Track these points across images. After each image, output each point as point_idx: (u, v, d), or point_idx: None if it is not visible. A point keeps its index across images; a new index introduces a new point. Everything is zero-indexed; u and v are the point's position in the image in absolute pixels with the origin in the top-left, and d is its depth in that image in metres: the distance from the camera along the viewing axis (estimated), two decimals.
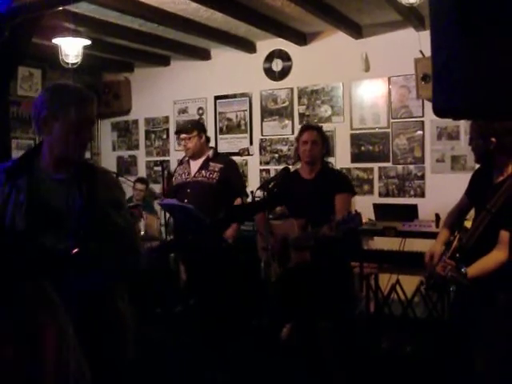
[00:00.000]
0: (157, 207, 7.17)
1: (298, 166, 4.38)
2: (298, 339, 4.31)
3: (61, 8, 4.93)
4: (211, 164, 4.89)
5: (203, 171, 4.87)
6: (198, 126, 5.02)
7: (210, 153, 4.96)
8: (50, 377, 0.95)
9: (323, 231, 3.70)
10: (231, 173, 5.00)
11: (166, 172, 5.17)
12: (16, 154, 7.37)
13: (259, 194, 4.20)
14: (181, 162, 5.09)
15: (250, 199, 4.94)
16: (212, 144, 7.65)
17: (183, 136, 4.91)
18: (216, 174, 4.83)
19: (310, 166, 4.27)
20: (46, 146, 2.41)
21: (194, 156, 4.92)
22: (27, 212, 2.31)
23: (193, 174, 4.90)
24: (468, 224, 3.39)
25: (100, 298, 2.35)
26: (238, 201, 4.94)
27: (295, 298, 4.12)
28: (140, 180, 7.45)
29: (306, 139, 4.23)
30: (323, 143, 4.30)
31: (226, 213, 4.69)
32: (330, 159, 4.84)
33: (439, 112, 1.29)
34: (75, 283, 2.14)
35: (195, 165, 4.94)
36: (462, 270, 2.95)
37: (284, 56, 7.16)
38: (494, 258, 2.96)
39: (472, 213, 3.34)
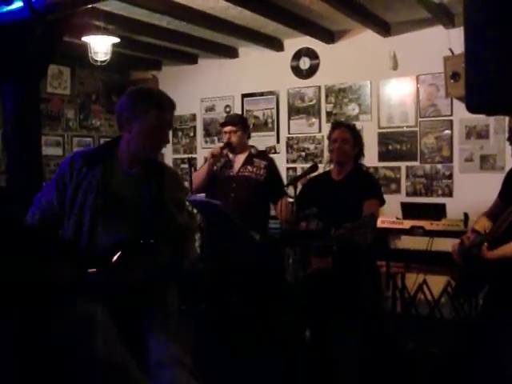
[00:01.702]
0: None
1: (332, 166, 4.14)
2: (315, 342, 4.16)
3: (92, 5, 4.96)
4: (256, 160, 4.79)
5: (249, 167, 4.76)
6: (243, 121, 4.98)
7: (253, 149, 4.90)
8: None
9: (340, 232, 3.51)
10: (276, 170, 4.95)
11: (192, 169, 5.03)
12: (45, 150, 7.45)
13: (288, 191, 4.09)
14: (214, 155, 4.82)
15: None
16: None
17: (229, 128, 4.80)
18: (263, 171, 4.74)
19: (340, 166, 4.03)
20: (124, 142, 2.61)
21: (236, 150, 4.84)
22: (96, 197, 2.50)
23: (237, 168, 4.82)
24: None
25: (151, 295, 2.45)
26: (285, 200, 4.83)
27: (312, 303, 3.94)
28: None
29: (336, 137, 3.99)
30: (355, 142, 4.04)
31: (282, 236, 4.61)
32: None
33: (472, 108, 1.28)
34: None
35: (238, 159, 4.84)
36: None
37: (311, 54, 7.15)
38: None
39: None
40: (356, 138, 4.05)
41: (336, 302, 3.80)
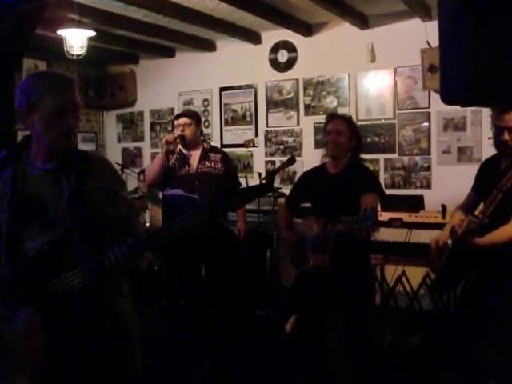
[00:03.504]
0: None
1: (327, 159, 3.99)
2: (303, 332, 4.17)
3: None
4: (211, 155, 4.81)
5: (206, 162, 4.77)
6: (197, 116, 4.99)
7: (205, 144, 4.92)
8: None
9: (338, 228, 3.41)
10: (230, 162, 5.03)
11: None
12: None
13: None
14: (168, 153, 4.74)
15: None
16: (217, 135, 7.68)
17: (183, 120, 4.78)
18: (220, 165, 4.77)
19: (335, 159, 3.87)
20: (34, 138, 2.32)
21: (189, 145, 4.81)
22: (10, 204, 2.23)
23: (195, 165, 4.79)
24: None
25: (94, 298, 2.20)
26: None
27: (308, 298, 3.89)
28: (145, 171, 7.42)
29: (330, 129, 3.82)
30: (351, 135, 3.85)
31: (225, 198, 4.58)
32: None
33: (446, 99, 1.27)
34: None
35: (194, 156, 4.83)
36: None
37: (289, 47, 7.13)
38: (506, 229, 2.93)
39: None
40: (352, 129, 3.89)
41: (331, 297, 3.76)
